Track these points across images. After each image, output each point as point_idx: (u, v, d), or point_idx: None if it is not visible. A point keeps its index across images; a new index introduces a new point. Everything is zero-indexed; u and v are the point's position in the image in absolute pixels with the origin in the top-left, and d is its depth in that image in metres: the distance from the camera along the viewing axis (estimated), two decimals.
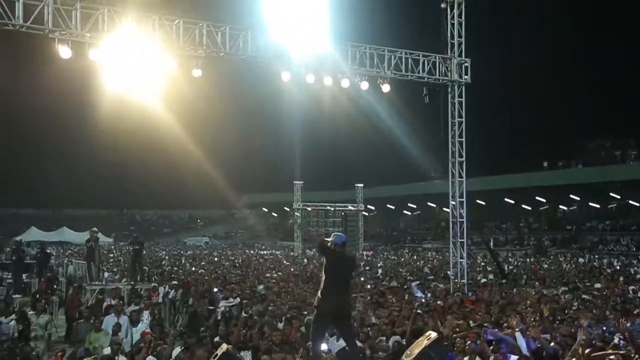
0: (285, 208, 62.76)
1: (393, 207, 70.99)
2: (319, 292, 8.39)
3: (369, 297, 15.23)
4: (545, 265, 32.47)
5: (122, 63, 15.68)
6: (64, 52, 14.67)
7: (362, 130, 50.03)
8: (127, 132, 32.85)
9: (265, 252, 49.43)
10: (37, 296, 16.97)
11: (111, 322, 11.88)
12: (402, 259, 38.41)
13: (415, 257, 41.80)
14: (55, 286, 19.92)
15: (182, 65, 15.78)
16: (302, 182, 47.81)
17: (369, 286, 17.97)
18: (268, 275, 22.92)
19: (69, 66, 15.56)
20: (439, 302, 13.91)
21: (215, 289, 16.61)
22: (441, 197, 25.89)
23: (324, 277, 8.37)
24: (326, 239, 8.60)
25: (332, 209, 48.70)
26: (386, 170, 60.26)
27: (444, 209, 62.10)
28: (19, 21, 13.88)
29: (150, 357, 9.48)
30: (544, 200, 57.99)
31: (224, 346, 8.68)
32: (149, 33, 15.27)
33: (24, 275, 21.14)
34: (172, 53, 15.51)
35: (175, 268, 27.21)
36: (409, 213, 73.27)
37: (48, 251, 23.83)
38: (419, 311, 12.47)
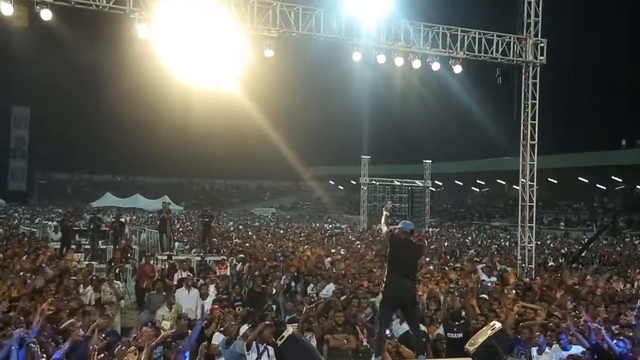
0: (352, 181, 62.84)
1: (461, 184, 69.99)
2: (385, 277, 8.56)
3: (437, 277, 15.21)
4: (618, 249, 31.40)
5: (195, 41, 16.09)
6: (142, 31, 15.23)
7: (431, 106, 49.50)
8: (199, 105, 33.53)
9: (330, 225, 49.79)
10: (112, 264, 17.89)
11: (183, 295, 12.42)
12: (469, 238, 37.97)
13: (482, 235, 41.26)
14: (129, 254, 20.72)
15: (254, 45, 16.03)
16: (369, 157, 47.69)
17: (431, 267, 17.82)
18: (334, 250, 23.10)
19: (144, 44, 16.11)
20: (505, 289, 13.75)
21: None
22: (511, 174, 25.29)
23: (389, 263, 8.53)
24: (395, 226, 8.70)
25: (399, 184, 48.46)
26: (454, 146, 59.43)
27: (514, 186, 61.07)
28: (102, 2, 14.47)
29: (217, 333, 9.85)
30: (620, 180, 55.73)
31: (290, 329, 9.02)
32: (224, 12, 15.57)
33: (100, 243, 22.23)
34: (246, 33, 15.77)
35: (243, 240, 27.75)
36: (477, 190, 72.07)
37: (122, 220, 24.78)
38: (484, 296, 12.49)
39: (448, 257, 22.66)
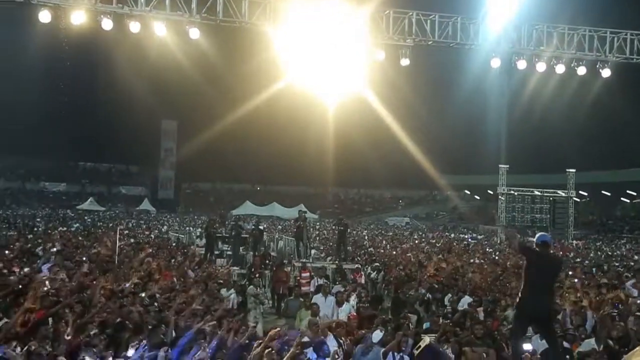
0: (489, 191, 61.02)
1: (609, 194, 65.76)
2: (520, 291, 8.24)
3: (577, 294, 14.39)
4: None
5: (331, 52, 16.47)
6: (278, 44, 15.88)
7: (575, 112, 47.03)
8: (335, 116, 34.12)
9: (466, 236, 48.63)
10: (252, 270, 18.59)
11: (319, 301, 12.65)
12: (618, 252, 35.50)
13: (633, 249, 38.41)
14: (267, 261, 21.36)
15: (390, 55, 16.12)
16: (507, 166, 46.05)
17: (575, 280, 16.82)
18: (472, 261, 22.53)
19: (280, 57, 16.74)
20: None
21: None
22: None
23: (524, 277, 8.20)
24: (529, 238, 8.40)
25: (539, 194, 46.37)
26: (601, 154, 55.98)
27: None
28: (244, 18, 15.21)
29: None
30: None
31: (427, 339, 8.91)
32: (360, 23, 15.82)
33: (241, 249, 23.15)
34: (382, 43, 15.91)
35: (377, 249, 27.81)
36: (628, 201, 67.37)
37: (261, 227, 25.62)
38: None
39: (594, 270, 21.31)
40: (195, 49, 19.04)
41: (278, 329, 8.73)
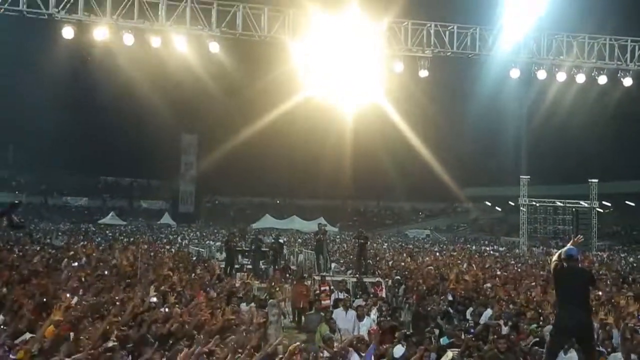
0: (510, 202, 60.47)
1: (633, 204, 64.80)
2: (555, 307, 8.13)
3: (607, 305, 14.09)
4: None
5: (350, 64, 16.50)
6: (297, 58, 15.94)
7: (597, 121, 46.57)
8: (354, 128, 34.14)
9: (488, 247, 48.18)
10: (273, 284, 18.54)
11: (340, 316, 12.56)
12: None
13: None
14: (287, 274, 21.35)
15: (409, 66, 16.10)
16: (528, 177, 45.64)
17: (600, 293, 16.52)
18: (494, 273, 22.26)
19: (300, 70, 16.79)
20: None
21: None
22: None
23: (556, 293, 8.10)
24: (554, 250, 8.30)
25: (561, 204, 45.89)
26: (625, 163, 55.23)
27: None
28: (263, 32, 15.30)
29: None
30: None
31: (450, 354, 8.81)
32: (378, 34, 15.84)
33: (261, 262, 23.16)
34: (401, 54, 15.90)
35: (397, 262, 27.60)
36: None
37: (281, 241, 25.62)
38: None
39: (621, 282, 20.95)
40: (215, 63, 19.16)
41: (298, 343, 8.67)
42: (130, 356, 8.01)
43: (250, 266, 22.72)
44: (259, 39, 15.55)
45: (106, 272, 15.22)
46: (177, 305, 11.26)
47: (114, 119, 67.24)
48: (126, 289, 12.39)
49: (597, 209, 46.90)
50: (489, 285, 17.97)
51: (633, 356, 9.65)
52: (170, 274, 15.59)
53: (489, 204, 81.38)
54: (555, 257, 8.28)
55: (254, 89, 52.05)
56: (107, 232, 47.78)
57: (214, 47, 15.51)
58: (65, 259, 16.91)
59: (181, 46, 15.33)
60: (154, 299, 11.59)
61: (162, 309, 10.59)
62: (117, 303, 10.19)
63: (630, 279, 23.05)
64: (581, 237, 9.46)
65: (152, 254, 23.35)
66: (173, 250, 28.75)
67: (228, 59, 18.00)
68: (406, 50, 15.96)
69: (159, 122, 65.60)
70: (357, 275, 19.60)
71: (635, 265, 32.92)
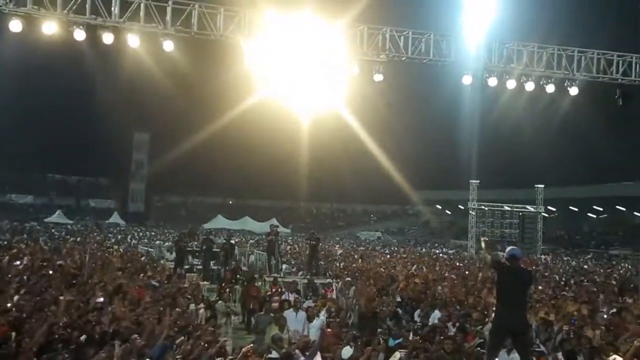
0: (460, 206, 61.54)
1: (576, 209, 66.82)
2: (495, 306, 8.31)
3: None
4: None
5: (304, 67, 16.53)
6: (252, 59, 15.87)
7: (544, 129, 47.77)
8: (307, 130, 34.17)
9: (437, 250, 48.91)
10: (223, 285, 18.41)
11: (290, 317, 12.56)
12: (585, 266, 36.06)
13: (600, 263, 39.06)
14: (238, 276, 21.18)
15: (364, 70, 16.22)
16: (478, 181, 46.55)
17: (543, 295, 16.94)
18: (443, 275, 22.61)
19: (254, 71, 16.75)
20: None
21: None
22: (633, 200, 23.86)
23: (497, 292, 8.30)
24: (500, 253, 8.49)
25: (509, 209, 46.95)
26: (569, 170, 56.89)
27: (635, 212, 57.57)
28: (219, 31, 15.20)
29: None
30: None
31: (397, 354, 8.91)
32: (334, 38, 15.91)
33: (211, 263, 22.94)
34: (356, 58, 16.00)
35: (348, 263, 27.78)
36: (594, 216, 68.55)
37: (232, 242, 25.45)
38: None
39: (562, 285, 21.59)
40: (169, 62, 18.92)
41: (251, 345, 8.64)
42: (72, 357, 7.84)
43: (200, 267, 22.50)
44: (214, 38, 15.39)
45: (51, 272, 14.81)
46: (124, 306, 11.09)
47: (62, 116, 65.63)
48: (71, 289, 12.10)
49: (543, 214, 48.17)
50: (440, 287, 18.21)
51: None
52: (118, 274, 15.29)
53: (440, 207, 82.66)
54: (488, 256, 8.51)
55: (209, 89, 51.59)
56: (54, 230, 46.61)
57: (168, 46, 15.29)
58: (7, 257, 16.37)
59: (134, 43, 15.05)
60: (101, 299, 11.39)
61: (108, 309, 10.39)
62: (61, 303, 9.93)
63: (571, 281, 23.79)
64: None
65: (99, 253, 22.90)
66: (121, 250, 28.25)
67: (183, 58, 17.77)
68: (362, 54, 16.04)
69: (111, 119, 64.27)
70: (308, 277, 19.64)
71: (577, 268, 33.95)
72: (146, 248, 31.24)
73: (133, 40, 15.00)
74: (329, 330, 10.93)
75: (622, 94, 17.71)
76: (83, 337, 8.57)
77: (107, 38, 15.06)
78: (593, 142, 45.66)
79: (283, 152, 59.49)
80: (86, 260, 16.87)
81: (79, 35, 14.94)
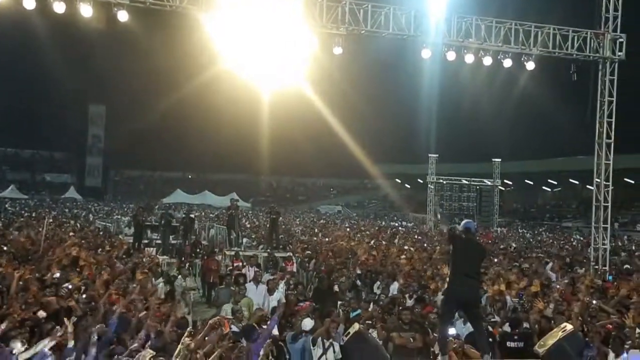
0: (419, 180, 62.25)
1: (531, 183, 68.31)
2: (448, 277, 8.48)
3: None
4: None
5: (263, 40, 16.35)
6: (211, 31, 15.61)
7: (501, 104, 48.50)
8: (267, 103, 33.99)
9: (396, 223, 49.48)
10: (183, 259, 18.33)
11: (251, 290, 12.58)
12: (539, 238, 37.03)
13: (553, 235, 40.13)
14: (198, 250, 21.10)
15: (323, 43, 16.11)
16: (437, 155, 47.05)
17: (498, 267, 17.28)
18: (406, 248, 22.86)
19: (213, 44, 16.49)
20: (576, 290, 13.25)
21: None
22: (585, 174, 24.45)
23: (451, 263, 8.45)
24: (456, 225, 8.65)
25: (466, 182, 47.71)
26: (525, 144, 58.01)
27: (588, 186, 59.13)
28: (175, 2, 14.88)
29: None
30: None
31: (356, 325, 9.02)
32: (293, 10, 15.72)
33: (170, 238, 22.76)
34: (315, 31, 15.86)
35: (309, 237, 27.91)
36: (549, 189, 70.23)
37: (192, 216, 25.27)
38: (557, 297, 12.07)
39: (515, 256, 22.11)
40: (125, 32, 18.45)
41: (218, 317, 8.62)
42: (32, 334, 7.73)
43: (159, 241, 22.31)
44: (170, 9, 15.04)
45: (5, 248, 14.51)
46: (80, 282, 10.95)
47: (14, 86, 63.70)
48: (26, 266, 11.87)
49: (500, 187, 49.10)
50: (400, 259, 18.43)
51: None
52: (74, 249, 15.06)
53: (399, 181, 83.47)
54: (444, 228, 8.73)
55: (167, 61, 50.74)
56: (7, 206, 45.52)
57: (123, 16, 14.90)
58: None
59: (87, 13, 14.61)
60: (57, 275, 11.23)
61: (64, 286, 10.25)
62: (16, 280, 9.76)
63: (525, 252, 24.46)
64: None
65: (56, 229, 22.48)
66: (78, 225, 27.79)
67: (138, 29, 17.35)
68: (321, 26, 15.89)
69: (64, 91, 62.75)
70: (269, 250, 19.67)
71: (531, 240, 34.83)
72: (104, 223, 30.80)
73: (85, 10, 14.54)
74: (306, 304, 10.94)
75: (576, 69, 18.02)
76: (41, 314, 8.47)
77: (59, 7, 14.58)
78: (548, 116, 46.52)
79: (243, 126, 59.11)
80: (42, 235, 16.54)
81: (29, 4, 14.44)
